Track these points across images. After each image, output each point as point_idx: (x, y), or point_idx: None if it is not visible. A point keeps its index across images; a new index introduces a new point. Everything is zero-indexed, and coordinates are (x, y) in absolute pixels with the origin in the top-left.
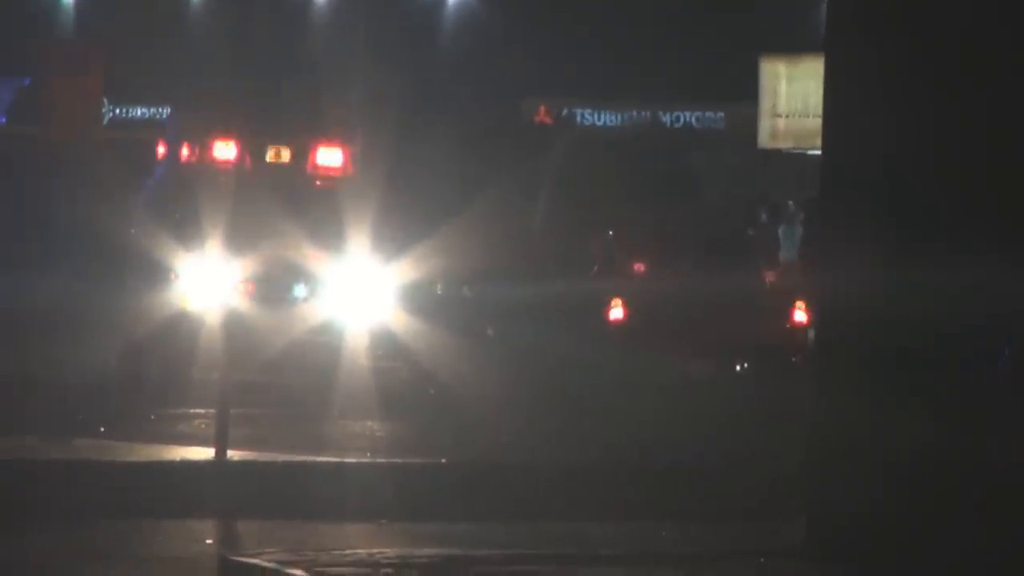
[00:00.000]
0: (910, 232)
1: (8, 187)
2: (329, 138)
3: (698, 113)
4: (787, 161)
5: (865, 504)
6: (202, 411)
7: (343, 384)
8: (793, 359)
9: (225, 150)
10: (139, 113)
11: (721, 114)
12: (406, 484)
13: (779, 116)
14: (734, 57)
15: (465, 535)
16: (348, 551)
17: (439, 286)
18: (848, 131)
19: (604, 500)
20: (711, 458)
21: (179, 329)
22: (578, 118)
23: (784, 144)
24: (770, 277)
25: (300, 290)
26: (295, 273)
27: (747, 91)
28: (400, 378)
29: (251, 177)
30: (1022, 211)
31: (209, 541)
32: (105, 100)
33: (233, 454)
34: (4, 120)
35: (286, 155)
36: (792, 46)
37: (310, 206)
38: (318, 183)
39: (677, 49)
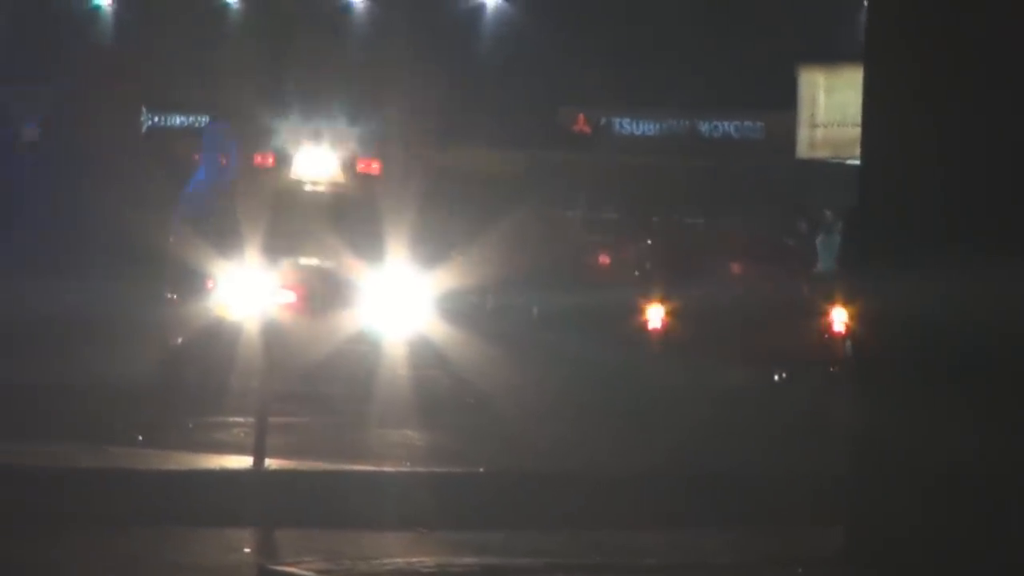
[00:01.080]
0: (950, 240)
1: (46, 194)
2: (367, 148)
3: (737, 122)
4: (825, 171)
5: (904, 513)
6: (240, 419)
7: (381, 393)
8: (832, 368)
9: (262, 160)
10: (177, 121)
11: (760, 123)
12: (445, 493)
13: (818, 126)
14: (773, 67)
15: (504, 544)
16: (386, 560)
17: (489, 298)
18: (887, 140)
19: (643, 509)
20: (750, 467)
21: (217, 337)
22: (616, 127)
23: (822, 153)
24: (808, 287)
25: (339, 299)
26: (333, 283)
27: (786, 101)
28: (439, 387)
29: (289, 186)
30: None
31: (247, 550)
32: (144, 108)
33: (271, 463)
34: (43, 126)
35: (325, 164)
36: (831, 56)
37: (349, 215)
38: (356, 193)
39: (716, 59)
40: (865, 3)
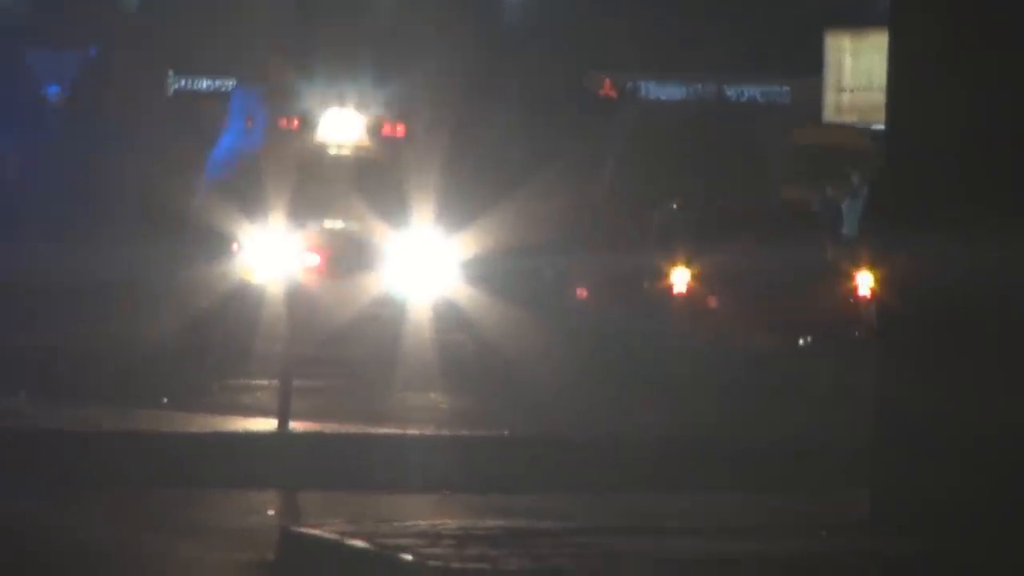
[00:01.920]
0: (976, 204)
1: (72, 158)
2: (392, 111)
3: (763, 87)
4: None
5: (929, 477)
6: (265, 382)
7: (407, 357)
8: (856, 333)
9: (288, 123)
10: (204, 85)
11: (787, 88)
12: (469, 457)
13: (844, 90)
14: (800, 31)
15: (529, 507)
16: (410, 523)
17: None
18: (912, 104)
19: (668, 474)
20: (774, 432)
21: (242, 300)
22: (643, 91)
23: (849, 118)
24: (833, 251)
25: (363, 262)
26: (358, 246)
27: (812, 65)
28: (464, 351)
29: (314, 149)
30: None
31: (271, 512)
32: (170, 72)
33: (296, 425)
34: (70, 92)
35: (350, 127)
36: (858, 20)
37: (373, 178)
38: (382, 156)
39: (743, 23)
40: None
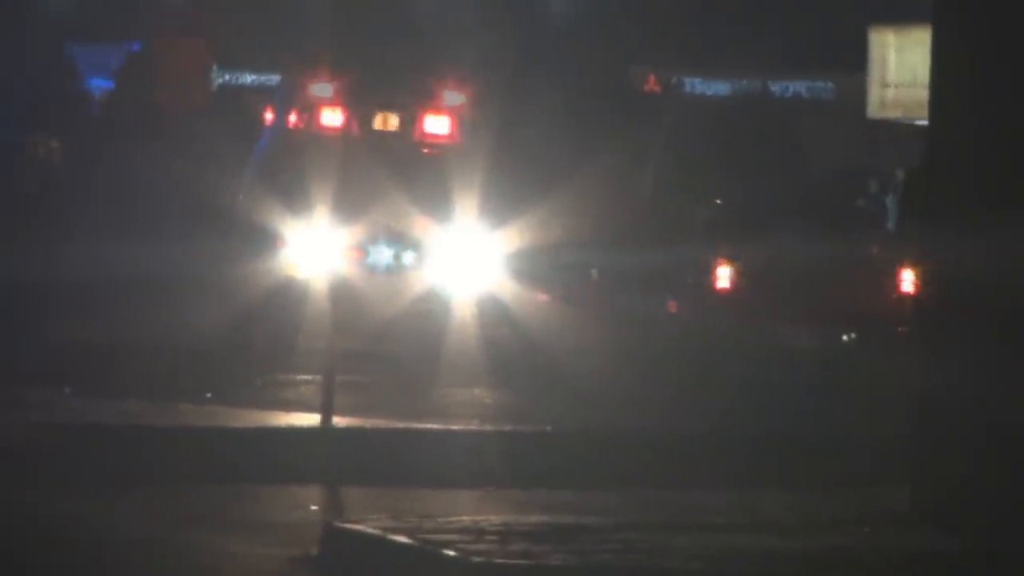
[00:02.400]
0: (1017, 200)
1: (116, 152)
2: (437, 105)
3: (808, 83)
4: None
5: (971, 473)
6: (308, 378)
7: (450, 352)
8: (900, 329)
9: (333, 117)
10: (249, 80)
11: (831, 84)
12: (513, 452)
13: (888, 86)
14: (844, 26)
15: (572, 503)
16: (453, 518)
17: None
18: (953, 100)
19: (711, 469)
20: (818, 427)
21: (286, 296)
22: (687, 87)
23: (893, 114)
24: (877, 247)
25: (407, 258)
26: (402, 241)
27: (857, 61)
28: (508, 347)
29: (359, 144)
30: None
31: (314, 507)
32: (215, 66)
33: (339, 421)
34: (113, 85)
35: (394, 122)
36: (902, 15)
37: (418, 173)
38: (426, 150)
39: (788, 19)
40: None
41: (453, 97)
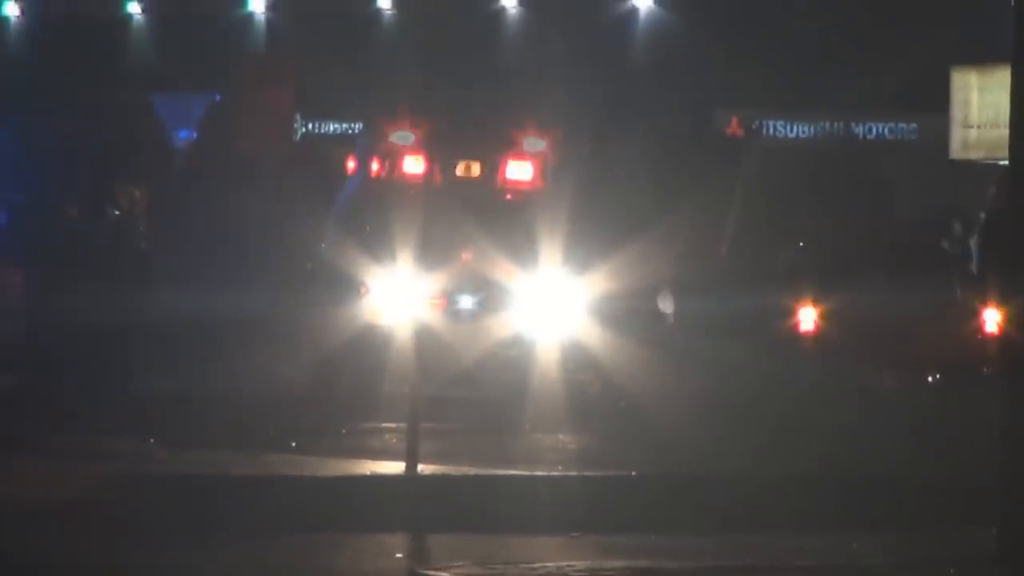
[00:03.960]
0: None
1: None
2: (519, 151)
3: (891, 124)
4: (980, 172)
5: None
6: (393, 425)
7: (534, 397)
8: (985, 371)
9: (415, 165)
10: (332, 128)
11: (914, 125)
12: (597, 497)
13: (971, 127)
14: (926, 67)
15: (656, 547)
16: (537, 564)
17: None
18: None
19: (795, 512)
20: (902, 470)
21: (370, 343)
22: (770, 130)
23: (976, 155)
24: (962, 288)
25: (490, 303)
26: (486, 287)
27: (939, 102)
28: (591, 391)
29: (441, 191)
30: None
31: (399, 555)
32: (298, 115)
33: (424, 468)
34: (196, 135)
35: (476, 169)
36: (985, 56)
37: (500, 219)
38: (508, 196)
39: (869, 60)
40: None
41: (535, 143)
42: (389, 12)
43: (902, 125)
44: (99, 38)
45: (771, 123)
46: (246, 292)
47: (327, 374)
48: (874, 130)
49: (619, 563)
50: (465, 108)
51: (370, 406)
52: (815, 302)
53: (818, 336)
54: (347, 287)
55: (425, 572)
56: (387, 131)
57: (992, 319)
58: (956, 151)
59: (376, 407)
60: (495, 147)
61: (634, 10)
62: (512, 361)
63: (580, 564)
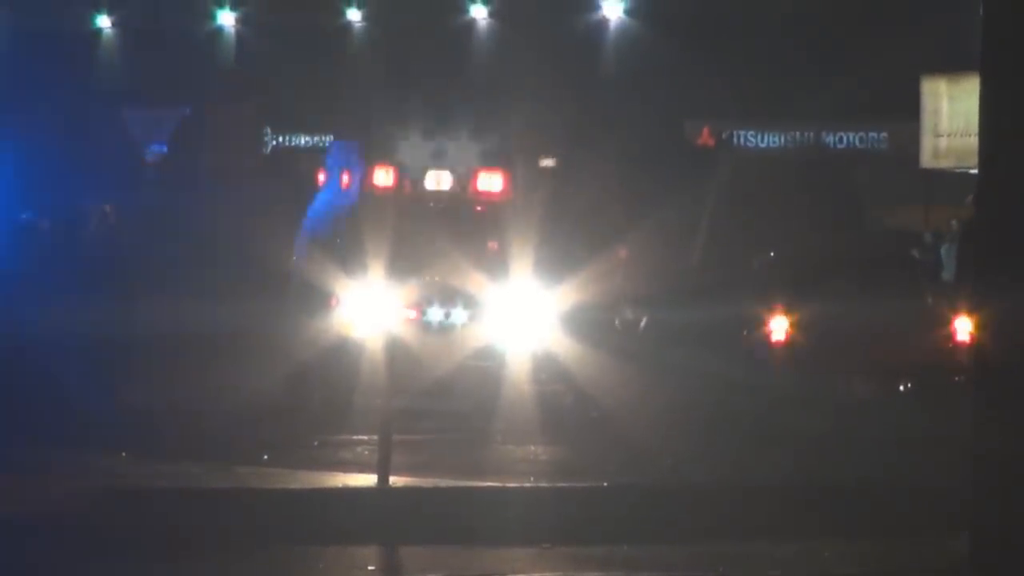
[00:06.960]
0: None
1: (169, 214)
2: (489, 163)
3: (861, 133)
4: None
5: None
6: (365, 437)
7: (506, 409)
8: (957, 378)
9: (385, 177)
10: (302, 142)
11: (884, 134)
12: (569, 508)
13: (941, 135)
14: (896, 77)
15: (628, 558)
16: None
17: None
18: (1004, 149)
19: (768, 521)
20: (876, 477)
21: (342, 355)
22: (741, 140)
23: (946, 163)
24: (932, 297)
25: (461, 315)
26: (456, 298)
27: (910, 111)
28: (562, 402)
29: (411, 203)
30: None
31: (371, 568)
32: (267, 129)
33: (396, 480)
34: (166, 148)
35: (447, 180)
36: (954, 65)
37: (471, 231)
38: (479, 208)
39: (839, 70)
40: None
41: (507, 154)
42: (359, 24)
43: (872, 134)
44: (70, 51)
45: (742, 133)
46: (217, 305)
47: (299, 386)
48: (844, 139)
49: (592, 574)
50: (436, 120)
51: (342, 418)
52: (786, 311)
53: (789, 345)
54: (318, 299)
55: None
56: (357, 144)
57: (963, 327)
58: (926, 160)
59: (348, 419)
60: (465, 159)
61: (605, 21)
62: (484, 372)
63: (552, 575)
